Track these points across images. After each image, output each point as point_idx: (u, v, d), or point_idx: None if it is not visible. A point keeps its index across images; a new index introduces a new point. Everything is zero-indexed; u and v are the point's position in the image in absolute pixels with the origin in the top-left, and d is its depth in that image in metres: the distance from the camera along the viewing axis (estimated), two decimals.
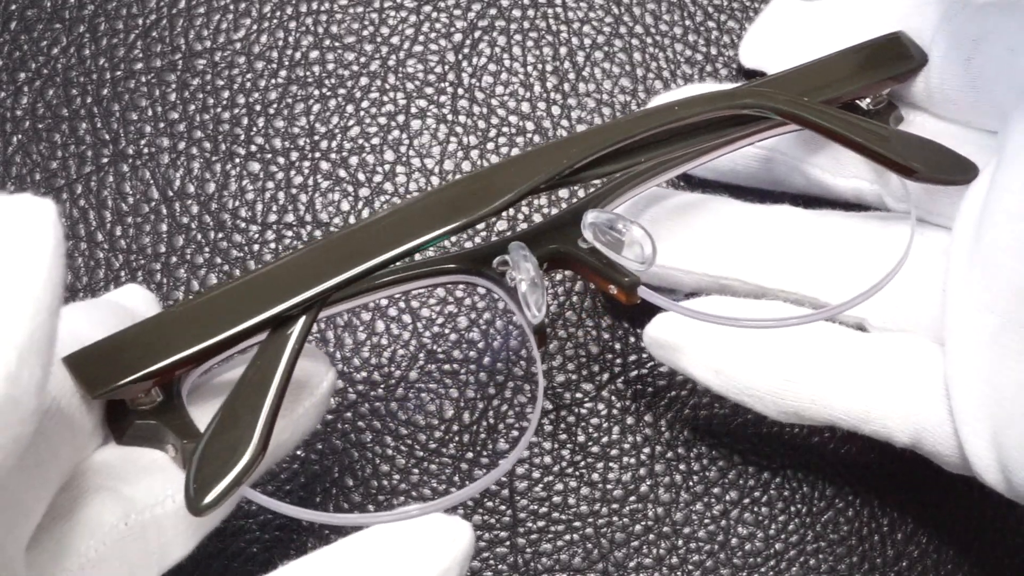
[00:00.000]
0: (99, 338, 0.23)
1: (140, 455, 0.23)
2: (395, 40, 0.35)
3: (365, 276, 0.24)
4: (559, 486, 0.31)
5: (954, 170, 0.28)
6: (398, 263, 0.25)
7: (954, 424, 0.26)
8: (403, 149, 0.34)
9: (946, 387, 0.27)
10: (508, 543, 0.31)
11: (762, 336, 0.28)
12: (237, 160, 0.33)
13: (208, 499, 0.21)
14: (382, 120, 0.34)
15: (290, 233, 0.33)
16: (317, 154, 0.33)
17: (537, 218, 0.33)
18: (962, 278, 0.27)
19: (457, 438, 0.31)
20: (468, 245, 0.33)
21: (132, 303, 0.26)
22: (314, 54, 0.34)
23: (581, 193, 0.33)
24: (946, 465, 0.28)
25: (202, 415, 0.23)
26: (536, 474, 0.31)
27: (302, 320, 0.23)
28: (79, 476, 0.22)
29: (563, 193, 0.33)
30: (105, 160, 0.33)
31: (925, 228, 0.29)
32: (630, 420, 0.32)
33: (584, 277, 0.28)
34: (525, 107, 0.34)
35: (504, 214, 0.33)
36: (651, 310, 0.29)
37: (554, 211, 0.33)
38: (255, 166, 0.33)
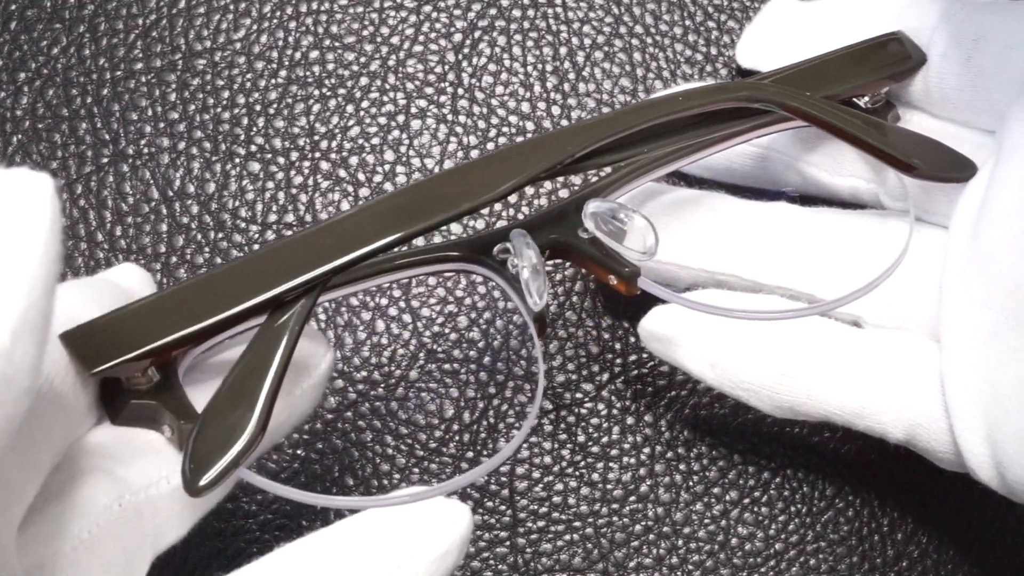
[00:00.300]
0: (94, 316, 0.23)
1: (135, 436, 0.23)
2: (395, 40, 0.35)
3: (366, 259, 0.24)
4: (559, 486, 0.31)
5: (953, 167, 0.28)
6: (399, 248, 0.25)
7: (949, 420, 0.26)
8: (403, 149, 0.34)
9: (941, 383, 0.27)
10: (508, 543, 0.31)
11: (758, 331, 0.28)
12: (237, 160, 0.33)
13: (205, 480, 0.21)
14: (382, 120, 0.34)
15: (290, 233, 0.33)
16: (317, 154, 0.33)
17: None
18: (959, 275, 0.27)
19: (457, 437, 0.31)
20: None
21: (128, 282, 0.26)
22: (314, 54, 0.34)
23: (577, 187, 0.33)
24: (940, 462, 0.28)
25: (199, 396, 0.23)
26: (536, 474, 0.31)
27: (303, 302, 0.23)
28: (73, 457, 0.22)
29: (563, 193, 0.33)
30: (105, 160, 0.33)
31: (921, 226, 0.29)
32: (630, 420, 0.32)
33: (584, 268, 0.27)
34: (525, 107, 0.34)
35: (504, 205, 0.33)
36: (651, 308, 0.29)
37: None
38: (255, 166, 0.33)
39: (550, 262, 0.28)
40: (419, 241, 0.29)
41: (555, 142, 0.26)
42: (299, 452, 0.31)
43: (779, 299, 0.29)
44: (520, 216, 0.33)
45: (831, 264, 0.29)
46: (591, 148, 0.26)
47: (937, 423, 0.27)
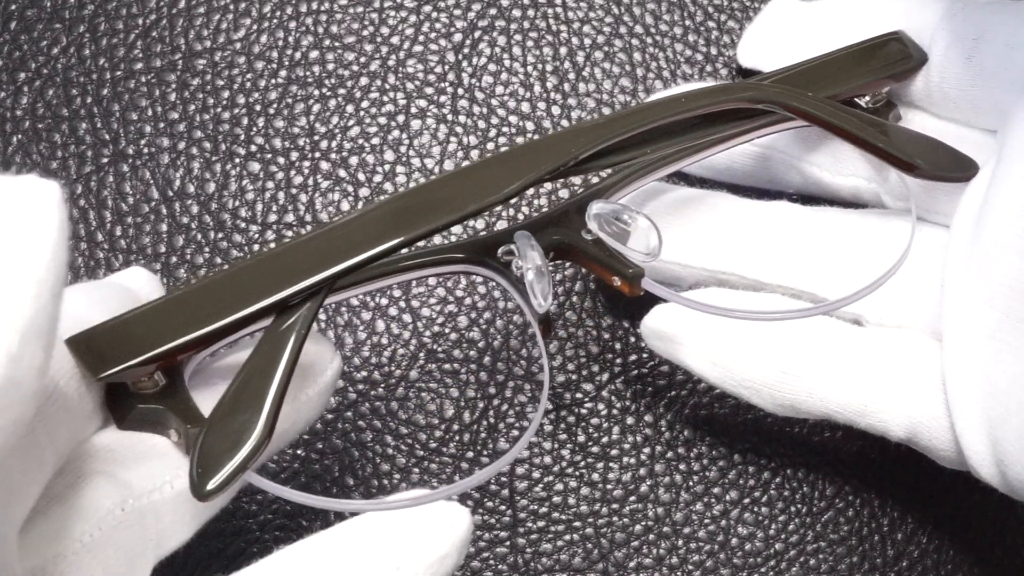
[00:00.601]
0: (101, 320, 0.23)
1: (140, 440, 0.23)
2: (395, 40, 0.35)
3: (371, 263, 0.24)
4: (559, 486, 0.31)
5: (954, 167, 0.28)
6: (404, 250, 0.25)
7: (950, 418, 0.26)
8: (403, 149, 0.34)
9: (943, 382, 0.27)
10: (508, 543, 0.31)
11: (760, 329, 0.28)
12: (237, 160, 0.33)
13: (213, 484, 0.21)
14: (382, 120, 0.34)
15: (290, 233, 0.33)
16: (317, 154, 0.33)
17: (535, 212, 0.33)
18: (961, 273, 0.27)
19: (457, 437, 0.31)
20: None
21: (136, 285, 0.26)
22: (314, 54, 0.34)
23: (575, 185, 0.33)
24: (941, 460, 0.28)
25: (206, 399, 0.23)
26: (536, 474, 0.31)
27: (308, 305, 0.23)
28: (77, 460, 0.22)
29: (563, 193, 0.33)
30: (105, 160, 0.33)
31: (923, 225, 0.29)
32: (630, 420, 0.32)
33: (587, 268, 0.28)
34: (525, 107, 0.34)
35: (504, 205, 0.33)
36: (652, 307, 0.29)
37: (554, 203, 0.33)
38: (255, 166, 0.33)
39: (552, 263, 0.28)
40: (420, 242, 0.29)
41: (558, 144, 0.26)
42: (299, 452, 0.31)
43: (781, 298, 0.29)
44: (520, 217, 0.33)
45: (833, 263, 0.29)
46: (595, 150, 0.26)
47: (938, 421, 0.27)
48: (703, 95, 0.28)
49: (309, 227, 0.33)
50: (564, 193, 0.33)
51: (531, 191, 0.33)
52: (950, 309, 0.27)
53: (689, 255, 0.30)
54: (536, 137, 0.34)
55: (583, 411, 0.32)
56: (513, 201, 0.33)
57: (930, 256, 0.28)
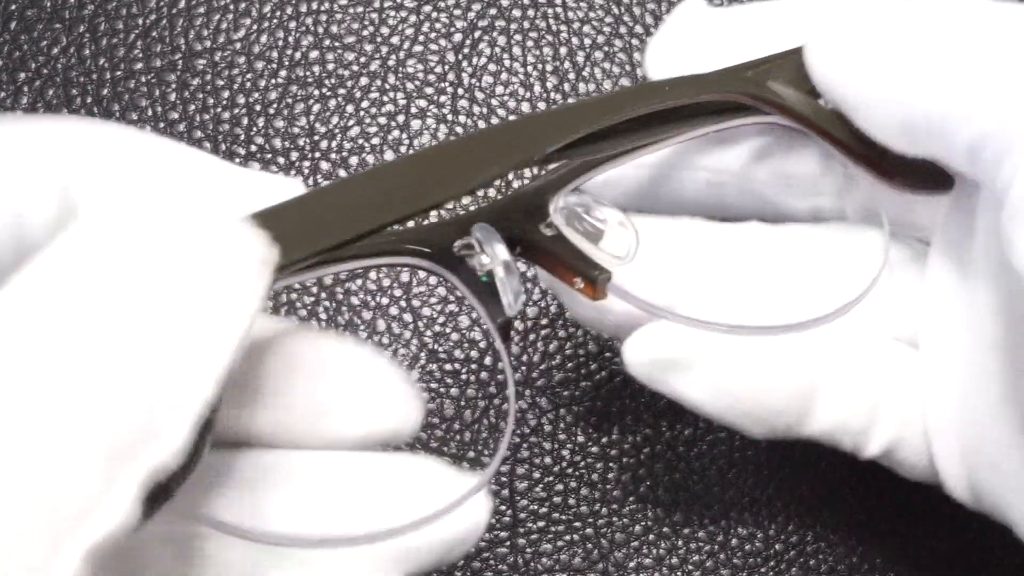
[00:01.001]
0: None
1: None
2: (395, 40, 0.35)
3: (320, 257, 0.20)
4: (559, 486, 0.31)
5: (933, 179, 0.27)
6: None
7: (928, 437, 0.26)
8: (403, 149, 0.34)
9: (922, 399, 0.26)
10: (508, 543, 0.31)
11: (767, 353, 0.26)
12: (237, 160, 0.33)
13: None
14: (382, 120, 0.34)
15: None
16: (317, 154, 0.33)
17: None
18: (940, 296, 0.26)
19: (459, 437, 0.31)
20: None
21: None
22: (314, 54, 0.34)
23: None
24: (911, 475, 0.27)
25: None
26: (536, 474, 0.31)
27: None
28: None
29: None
30: None
31: (903, 240, 0.28)
32: (630, 420, 0.32)
33: (547, 268, 0.24)
34: (525, 107, 0.34)
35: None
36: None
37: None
38: (255, 166, 0.33)
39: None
40: None
41: (532, 132, 0.23)
42: None
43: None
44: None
45: (809, 280, 0.27)
46: (574, 139, 0.23)
47: (919, 438, 0.26)
48: (691, 83, 0.25)
49: None
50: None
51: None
52: (928, 331, 0.26)
53: (650, 291, 0.26)
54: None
55: (582, 410, 0.32)
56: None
57: (909, 271, 0.27)
